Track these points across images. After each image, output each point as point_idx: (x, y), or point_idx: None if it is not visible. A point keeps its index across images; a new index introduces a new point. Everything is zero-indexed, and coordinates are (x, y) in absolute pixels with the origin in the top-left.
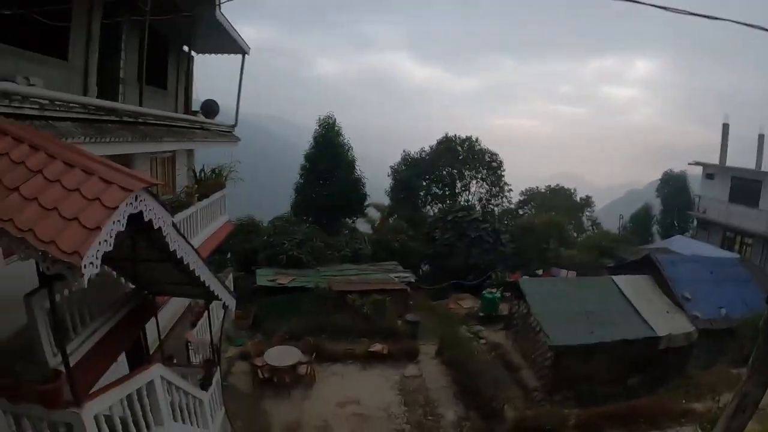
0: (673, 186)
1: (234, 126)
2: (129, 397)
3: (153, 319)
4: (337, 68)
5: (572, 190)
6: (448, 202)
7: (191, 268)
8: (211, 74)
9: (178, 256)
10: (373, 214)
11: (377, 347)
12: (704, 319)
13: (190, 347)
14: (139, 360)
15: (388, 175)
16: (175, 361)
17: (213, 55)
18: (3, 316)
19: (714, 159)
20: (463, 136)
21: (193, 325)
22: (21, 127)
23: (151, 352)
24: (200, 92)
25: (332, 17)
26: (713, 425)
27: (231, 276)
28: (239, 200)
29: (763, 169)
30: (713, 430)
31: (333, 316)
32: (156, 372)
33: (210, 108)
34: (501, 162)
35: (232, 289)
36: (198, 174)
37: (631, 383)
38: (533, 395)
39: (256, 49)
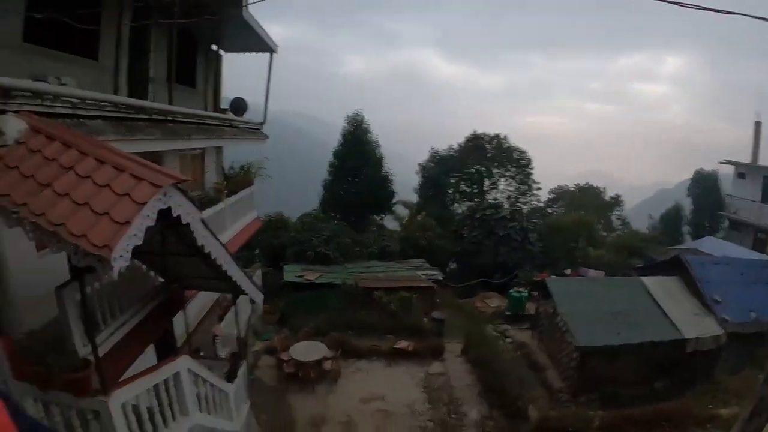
0: (703, 185)
1: (262, 123)
2: (156, 387)
3: (181, 313)
4: (366, 65)
5: (601, 189)
6: (476, 199)
7: (219, 263)
8: (240, 72)
9: (206, 251)
10: (402, 211)
11: (403, 344)
12: (734, 322)
13: (217, 341)
14: (167, 352)
15: (417, 173)
16: (202, 354)
17: (242, 53)
18: (35, 307)
19: (746, 157)
20: (492, 133)
21: (221, 319)
22: (53, 126)
23: (179, 345)
24: (229, 90)
25: (360, 15)
26: None
27: (259, 271)
28: (268, 197)
29: None
30: None
31: (359, 312)
32: (183, 364)
33: (239, 106)
34: (529, 160)
35: (259, 285)
36: (227, 171)
37: (658, 386)
38: (558, 396)
39: (285, 47)
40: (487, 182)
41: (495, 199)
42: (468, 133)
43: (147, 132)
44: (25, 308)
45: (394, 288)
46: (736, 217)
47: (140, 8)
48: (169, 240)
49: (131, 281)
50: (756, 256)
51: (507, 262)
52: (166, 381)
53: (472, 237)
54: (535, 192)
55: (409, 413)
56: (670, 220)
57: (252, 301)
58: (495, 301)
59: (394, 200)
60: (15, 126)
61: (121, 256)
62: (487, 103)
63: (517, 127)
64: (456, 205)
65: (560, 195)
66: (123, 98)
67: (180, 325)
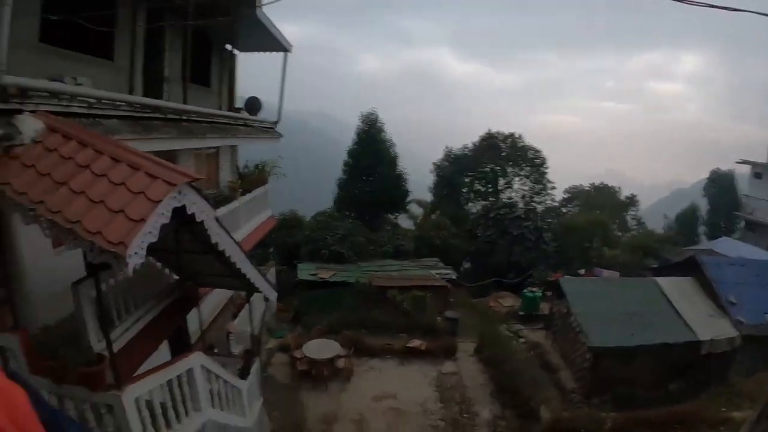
0: (719, 185)
1: (277, 122)
2: (169, 382)
3: (195, 310)
4: (379, 64)
5: (617, 189)
6: (490, 199)
7: (233, 261)
8: (255, 72)
9: (220, 249)
10: (416, 210)
11: (416, 343)
12: (749, 324)
13: (230, 338)
14: (181, 348)
15: (431, 172)
16: (216, 350)
17: (256, 53)
18: (51, 304)
19: (763, 157)
20: (506, 132)
21: (235, 316)
22: (70, 125)
23: (193, 342)
24: (244, 89)
25: (374, 14)
26: None
27: (273, 269)
28: (282, 195)
29: None
30: None
31: (373, 311)
32: (196, 360)
33: (253, 105)
34: (544, 159)
35: (273, 283)
36: (241, 169)
37: (672, 388)
38: (570, 397)
39: (299, 47)
40: (501, 181)
41: (509, 198)
42: (482, 131)
43: (162, 131)
44: (40, 305)
45: (408, 287)
46: (753, 218)
47: (155, 9)
48: (183, 238)
49: (146, 278)
50: None
51: (521, 262)
52: (179, 377)
53: (486, 236)
54: (549, 191)
55: (421, 412)
56: (686, 221)
57: (266, 299)
58: (509, 301)
59: (409, 199)
60: (32, 125)
61: (136, 253)
62: (502, 101)
63: (531, 126)
64: (470, 204)
65: (575, 194)
66: (138, 98)
67: (194, 322)
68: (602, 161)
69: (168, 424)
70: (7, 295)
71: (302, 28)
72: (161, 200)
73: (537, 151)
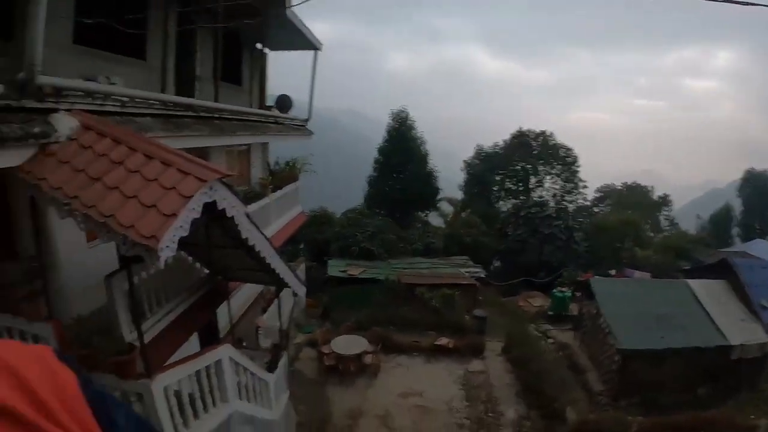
0: (754, 185)
1: (307, 120)
2: (198, 373)
3: (225, 304)
4: (410, 62)
5: (649, 188)
6: (521, 197)
7: (262, 256)
8: (286, 70)
9: (250, 244)
10: (446, 208)
11: (443, 341)
12: None
13: (259, 332)
14: (210, 341)
15: (462, 169)
16: (244, 344)
17: (287, 51)
18: (84, 295)
19: None
20: (537, 130)
21: (264, 311)
22: (104, 123)
23: (222, 335)
24: (275, 87)
25: (404, 11)
26: None
27: (303, 265)
28: (313, 192)
29: None
30: None
31: (401, 308)
32: (225, 352)
33: (284, 103)
34: (576, 157)
35: (303, 279)
36: (272, 166)
37: (701, 393)
38: (597, 399)
39: (330, 45)
40: (532, 180)
41: (540, 197)
42: (513, 129)
43: (194, 128)
44: (74, 296)
45: (437, 285)
46: None
47: (186, 6)
48: (214, 233)
49: (177, 272)
50: None
51: (551, 261)
52: (207, 368)
53: (516, 235)
54: (581, 190)
55: (447, 410)
56: (719, 222)
57: (294, 294)
58: (538, 301)
59: (439, 197)
60: (67, 123)
61: (167, 246)
62: (533, 98)
63: (563, 123)
64: (501, 202)
65: (607, 194)
66: (170, 96)
67: (224, 315)
68: (635, 160)
69: (195, 414)
70: (42, 286)
71: (333, 27)
72: (192, 195)
73: (568, 149)
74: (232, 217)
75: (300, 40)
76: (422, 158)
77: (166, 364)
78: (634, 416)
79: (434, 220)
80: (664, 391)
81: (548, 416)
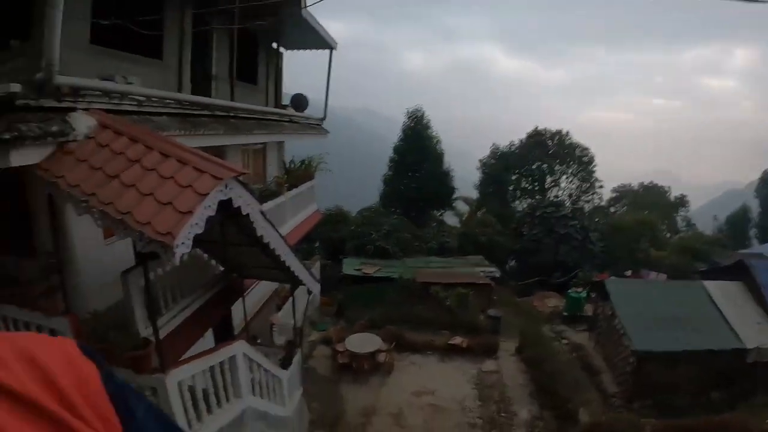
0: None
1: (323, 119)
2: (212, 369)
3: (240, 301)
4: (425, 61)
5: (666, 188)
6: (537, 197)
7: (277, 253)
8: (301, 69)
9: (265, 242)
10: (462, 207)
11: (457, 340)
12: None
13: (274, 329)
14: (225, 338)
15: (477, 169)
16: (259, 341)
17: (302, 50)
18: (101, 291)
19: None
20: (553, 129)
21: (279, 308)
22: (121, 122)
23: (237, 332)
24: (291, 86)
25: (419, 10)
26: None
27: (318, 264)
28: (328, 191)
29: None
30: None
31: (416, 307)
32: (239, 348)
33: (299, 102)
34: (592, 157)
35: (318, 277)
36: (288, 165)
37: (715, 396)
38: (611, 401)
39: (345, 44)
40: (548, 179)
41: (556, 196)
42: (529, 128)
43: (210, 127)
44: (90, 292)
45: (452, 284)
46: None
47: (202, 7)
48: (229, 230)
49: (193, 269)
50: None
51: (567, 262)
52: (221, 364)
53: (532, 235)
54: (597, 190)
55: (459, 409)
56: (737, 223)
57: (309, 292)
58: (553, 301)
59: (455, 196)
60: (85, 122)
61: (183, 243)
62: (549, 98)
63: (579, 122)
64: (516, 202)
65: (623, 194)
66: (186, 95)
67: (239, 312)
68: (651, 160)
69: (209, 409)
70: (59, 282)
71: (348, 26)
72: (208, 193)
73: (585, 148)
74: (248, 215)
75: (315, 39)
76: (438, 157)
77: (181, 359)
78: (648, 419)
79: (449, 219)
80: (678, 394)
81: (561, 417)
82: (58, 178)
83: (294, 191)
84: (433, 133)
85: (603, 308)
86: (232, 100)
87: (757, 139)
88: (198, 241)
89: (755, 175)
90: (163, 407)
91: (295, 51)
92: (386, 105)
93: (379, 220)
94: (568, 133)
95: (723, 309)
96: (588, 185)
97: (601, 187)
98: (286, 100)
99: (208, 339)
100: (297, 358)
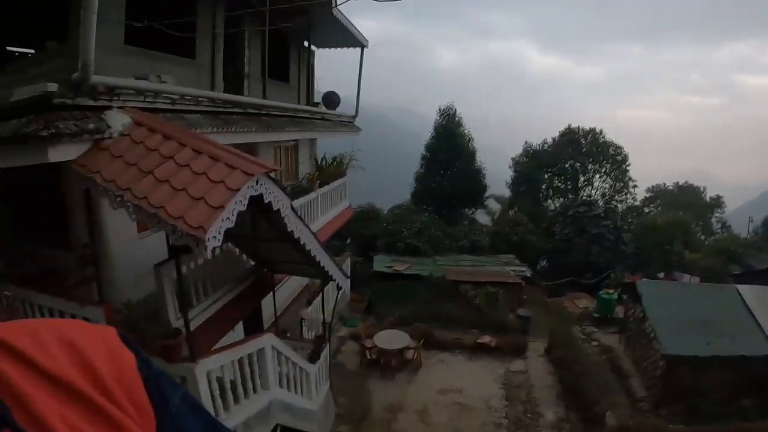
0: None
1: (355, 116)
2: (240, 360)
3: (271, 295)
4: (458, 58)
5: (702, 189)
6: (569, 196)
7: (307, 249)
8: (335, 66)
9: (295, 237)
10: (493, 205)
11: (486, 339)
12: None
13: (303, 324)
14: (255, 331)
15: (509, 167)
16: (288, 335)
17: (334, 48)
18: (134, 283)
19: None
20: (587, 127)
21: (309, 303)
22: (155, 119)
23: (267, 326)
24: (324, 84)
25: (453, 7)
26: None
27: (349, 260)
28: (360, 188)
29: None
30: None
31: (445, 305)
32: (267, 340)
33: (331, 99)
34: (626, 156)
35: (349, 273)
36: (320, 162)
37: (746, 403)
38: (639, 405)
39: (378, 42)
40: (581, 178)
41: (589, 196)
42: (562, 126)
43: (242, 125)
44: (124, 284)
45: (482, 282)
46: None
47: (233, 8)
48: (260, 226)
49: (224, 263)
50: None
51: (598, 262)
52: (250, 355)
53: (563, 234)
54: (630, 190)
55: (485, 408)
56: None
57: (339, 288)
58: (583, 302)
59: (486, 194)
60: (120, 120)
61: (214, 236)
62: (583, 95)
63: (613, 120)
64: (549, 201)
65: (658, 194)
66: (219, 93)
67: (269, 306)
68: (687, 159)
69: (236, 399)
70: (94, 273)
71: (381, 24)
72: (239, 189)
73: (618, 147)
74: (278, 211)
75: (346, 37)
76: (470, 155)
77: (210, 350)
78: (676, 424)
79: (481, 217)
80: (708, 400)
81: (588, 420)
82: (95, 173)
83: (325, 188)
84: (466, 131)
85: (634, 310)
86: (264, 97)
87: None
88: (230, 235)
89: None
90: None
91: (328, 48)
92: (421, 102)
93: (411, 217)
94: (601, 131)
95: (756, 314)
96: (621, 185)
97: (635, 186)
98: (318, 98)
99: (238, 332)
100: (325, 353)
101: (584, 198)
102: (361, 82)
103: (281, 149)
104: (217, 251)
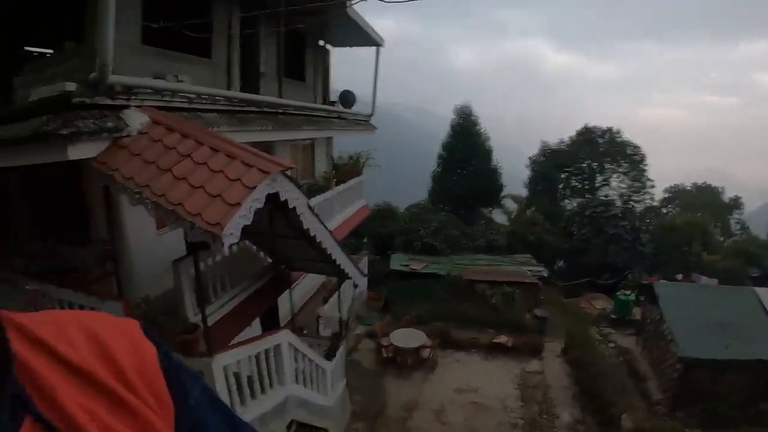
0: None
1: (371, 115)
2: (257, 356)
3: (288, 293)
4: (474, 57)
5: (720, 189)
6: (587, 196)
7: (323, 246)
8: (351, 65)
9: (311, 234)
10: (510, 205)
11: (502, 339)
12: None
13: (320, 322)
14: (272, 328)
15: (526, 166)
16: (305, 332)
17: (350, 47)
18: (152, 280)
19: None
20: (604, 127)
21: (325, 301)
22: (172, 118)
23: (284, 323)
24: (340, 83)
25: (468, 6)
26: None
27: (366, 259)
28: (376, 187)
29: None
30: None
31: (462, 304)
32: (284, 337)
33: (347, 98)
34: (643, 156)
35: (365, 272)
36: (336, 161)
37: (763, 408)
38: (655, 408)
39: (394, 41)
40: (598, 178)
41: (606, 195)
42: (578, 124)
43: (258, 123)
44: (142, 280)
45: (498, 282)
46: None
47: (249, 9)
48: (277, 223)
49: (242, 260)
50: None
51: (616, 263)
52: (267, 351)
53: (581, 234)
54: (648, 190)
55: (501, 408)
56: None
57: (355, 286)
58: (601, 303)
59: (503, 193)
60: (138, 119)
61: (231, 233)
62: (599, 94)
63: (630, 119)
64: (566, 201)
65: (676, 194)
66: (235, 93)
67: (286, 304)
68: (704, 159)
69: (252, 394)
70: (113, 269)
71: (397, 23)
72: (256, 186)
73: (636, 146)
74: (294, 208)
75: (362, 36)
76: (486, 154)
77: (228, 345)
78: (692, 428)
79: (498, 217)
80: (725, 404)
81: (603, 422)
82: (114, 171)
83: (342, 186)
84: (482, 130)
85: (651, 312)
86: (280, 96)
87: None
88: (247, 233)
89: None
90: None
91: (344, 48)
92: (437, 101)
93: (428, 216)
94: (618, 130)
95: None
96: (639, 185)
97: (652, 186)
98: (334, 97)
99: (255, 328)
100: (341, 351)
101: (601, 198)
102: (378, 81)
103: (298, 148)
104: (234, 248)
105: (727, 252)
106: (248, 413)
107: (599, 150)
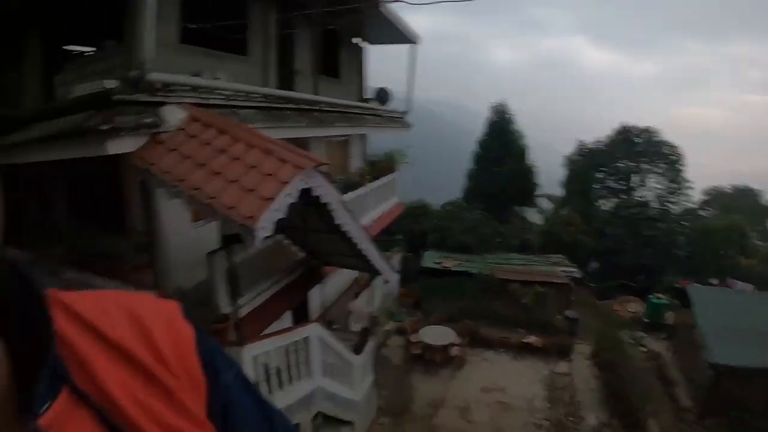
0: None
1: (406, 112)
2: (286, 348)
3: (319, 287)
4: (511, 54)
5: (760, 192)
6: (622, 196)
7: (355, 242)
8: (388, 61)
9: (344, 230)
10: (545, 204)
11: (531, 339)
12: None
13: (351, 316)
14: (302, 321)
15: (562, 165)
16: (335, 326)
17: (386, 45)
18: (187, 271)
19: None
20: (642, 126)
21: (356, 296)
22: (209, 114)
23: (315, 317)
24: (376, 80)
25: (506, 2)
26: None
27: (399, 255)
28: (412, 184)
29: None
30: None
31: (493, 303)
32: (314, 330)
33: (382, 95)
34: (681, 156)
35: (399, 268)
36: (370, 157)
37: None
38: (684, 415)
39: (431, 38)
40: (635, 178)
41: (642, 196)
42: (614, 123)
43: (293, 120)
44: (176, 271)
45: (530, 282)
46: None
47: (285, 7)
48: (310, 218)
49: (275, 254)
50: None
51: (650, 265)
52: (296, 343)
53: (615, 236)
54: (685, 192)
55: (527, 409)
56: None
57: (386, 282)
58: (633, 306)
59: (538, 193)
60: (175, 115)
61: (264, 226)
62: (638, 92)
63: (669, 119)
64: (601, 201)
65: (714, 196)
66: (271, 90)
67: (317, 298)
68: (745, 160)
69: (281, 385)
70: (149, 259)
71: (434, 19)
72: (289, 182)
73: (674, 146)
74: (327, 203)
75: (397, 34)
76: (522, 152)
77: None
78: None
79: (532, 216)
80: (756, 414)
81: (630, 426)
82: (152, 165)
83: (375, 183)
84: (518, 128)
85: (684, 316)
86: (315, 94)
87: None
88: (281, 227)
89: None
90: None
91: (380, 45)
92: (474, 98)
93: (462, 214)
94: (656, 130)
95: None
96: (676, 186)
97: (690, 188)
98: (369, 94)
99: (286, 321)
100: (370, 346)
101: (638, 199)
102: (414, 77)
103: (333, 144)
104: (268, 241)
105: (764, 257)
106: (275, 403)
107: (636, 150)
